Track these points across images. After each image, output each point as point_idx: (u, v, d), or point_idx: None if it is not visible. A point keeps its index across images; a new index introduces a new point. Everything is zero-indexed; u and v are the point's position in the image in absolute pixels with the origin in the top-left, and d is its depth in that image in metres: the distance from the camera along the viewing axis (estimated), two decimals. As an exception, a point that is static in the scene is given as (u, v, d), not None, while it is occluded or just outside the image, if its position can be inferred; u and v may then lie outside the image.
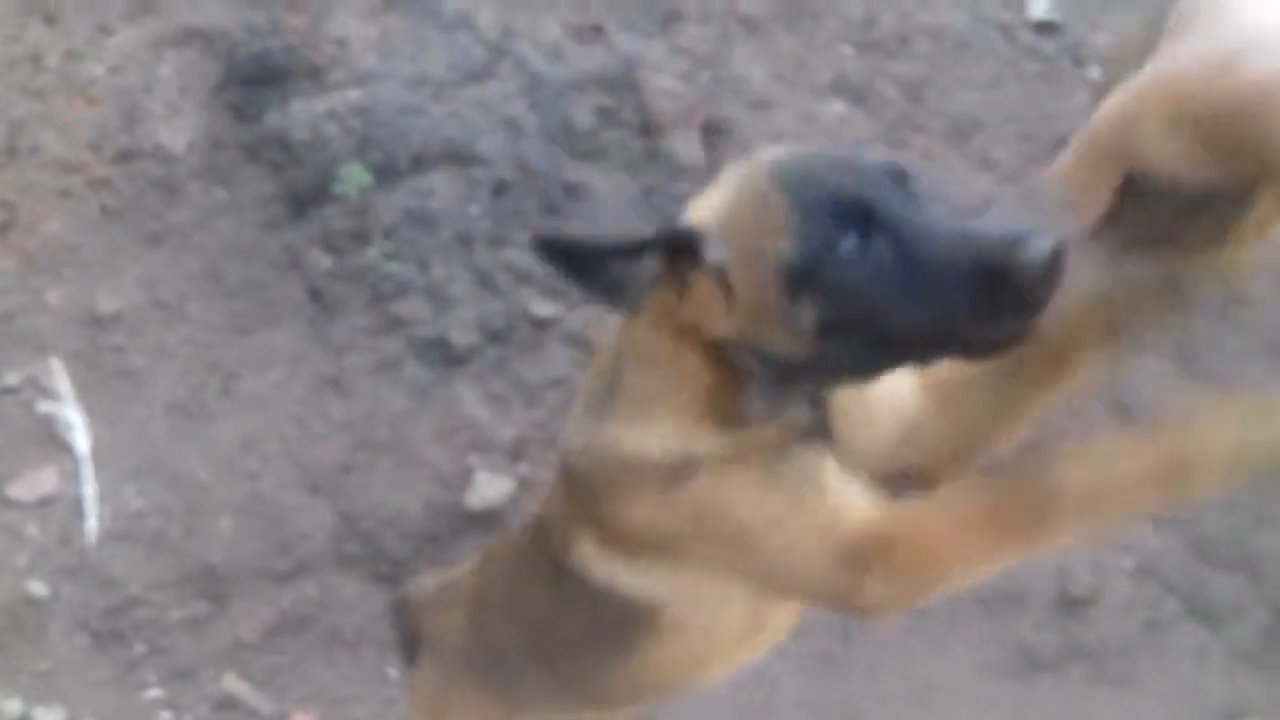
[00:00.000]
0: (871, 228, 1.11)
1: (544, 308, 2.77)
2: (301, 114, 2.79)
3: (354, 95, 2.82)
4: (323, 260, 2.72)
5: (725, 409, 1.21)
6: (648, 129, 2.97)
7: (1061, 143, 3.22)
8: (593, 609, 1.34)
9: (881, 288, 1.10)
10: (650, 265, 1.18)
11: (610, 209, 2.88)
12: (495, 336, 2.73)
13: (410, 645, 1.72)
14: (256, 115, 2.79)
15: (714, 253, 1.16)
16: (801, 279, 1.12)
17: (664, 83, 3.03)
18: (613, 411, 1.26)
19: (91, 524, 2.41)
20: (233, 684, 2.34)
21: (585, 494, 1.29)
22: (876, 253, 1.11)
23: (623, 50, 3.04)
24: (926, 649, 2.67)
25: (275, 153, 2.78)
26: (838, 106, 3.15)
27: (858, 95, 3.19)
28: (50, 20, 2.81)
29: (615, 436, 1.25)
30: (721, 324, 1.17)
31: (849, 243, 1.11)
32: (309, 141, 2.77)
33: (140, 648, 2.33)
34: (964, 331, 1.10)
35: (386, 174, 2.78)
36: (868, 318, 1.12)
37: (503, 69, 2.95)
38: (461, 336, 2.71)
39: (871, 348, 1.14)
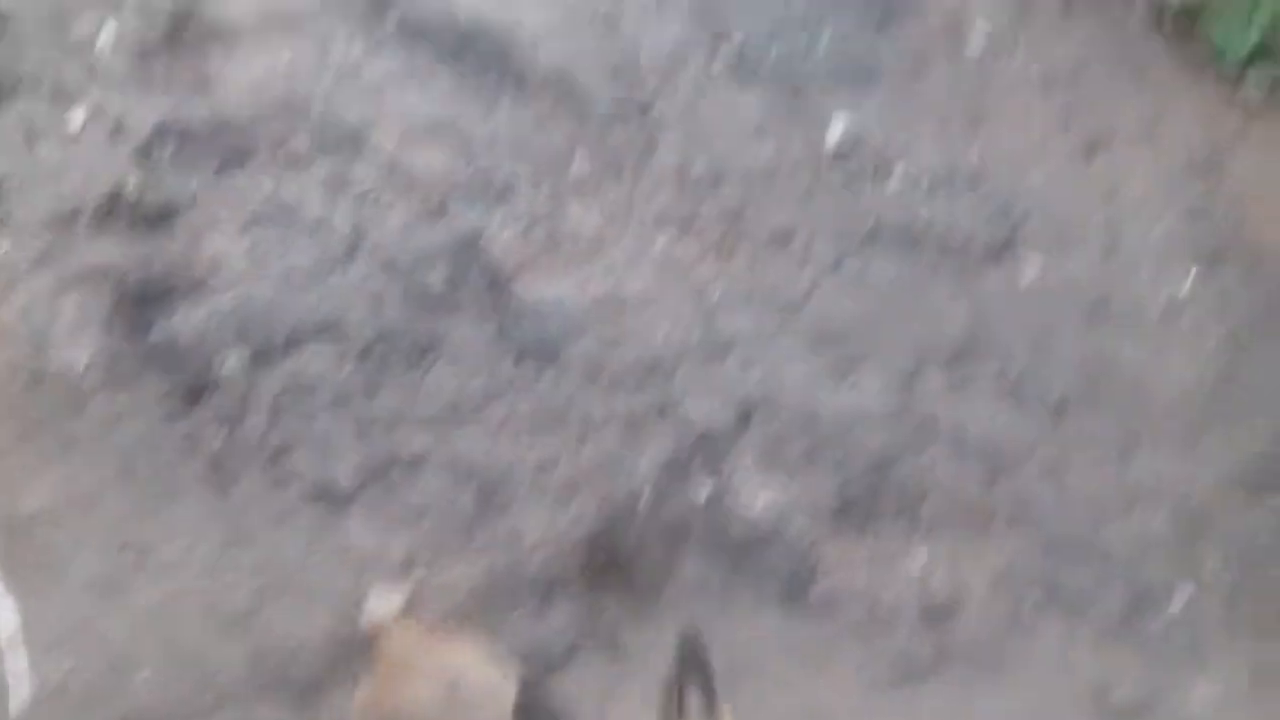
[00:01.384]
0: None
1: (417, 444, 3.06)
2: (186, 321, 3.15)
3: (230, 296, 3.20)
4: (217, 437, 3.02)
5: None
6: (495, 281, 3.33)
7: (873, 234, 3.58)
8: None
9: None
10: None
11: (469, 350, 3.21)
12: (376, 474, 3.01)
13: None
14: (148, 329, 3.14)
15: None
16: None
17: (505, 239, 3.41)
18: None
19: (23, 693, 2.63)
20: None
21: None
22: None
23: (466, 222, 3.43)
24: (809, 674, 2.85)
25: (167, 357, 3.13)
26: (666, 235, 3.51)
27: (683, 224, 3.55)
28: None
29: None
30: None
31: None
32: (195, 342, 3.12)
33: (74, 792, 2.52)
34: None
35: (265, 356, 3.13)
36: None
37: (361, 254, 3.33)
38: (347, 480, 2.99)
39: None
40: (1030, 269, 3.72)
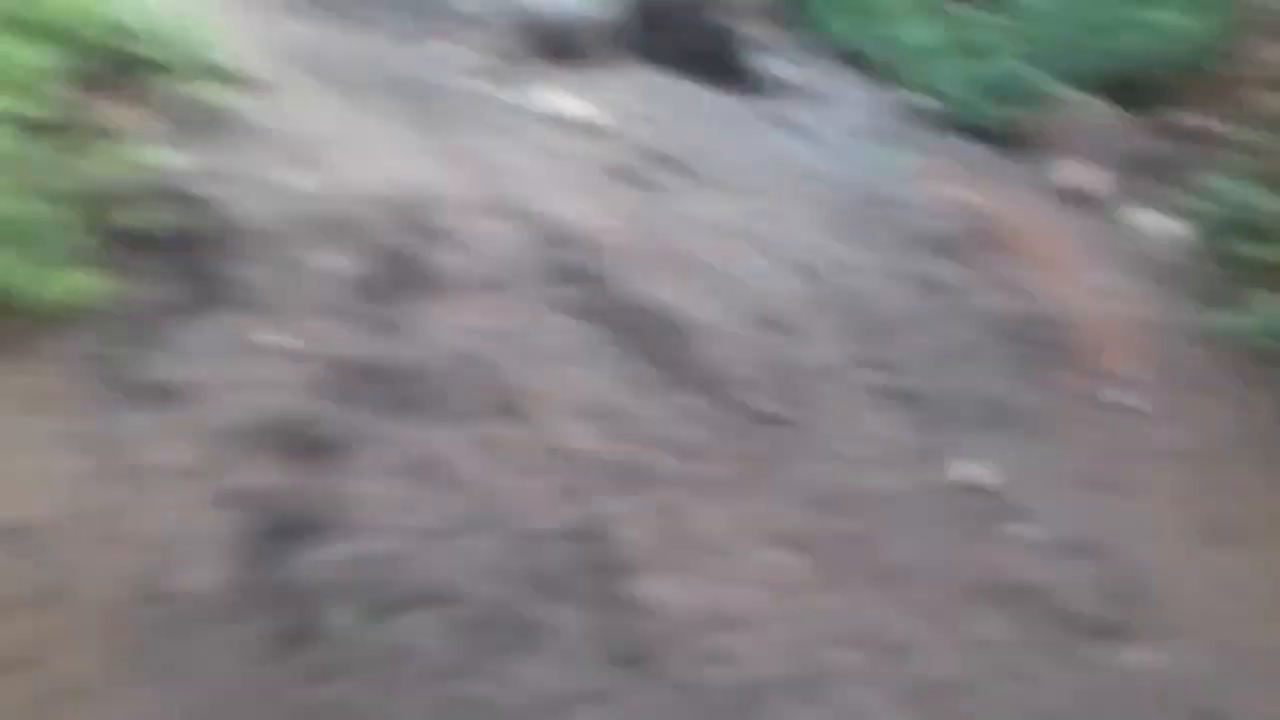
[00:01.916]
0: None
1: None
2: (311, 563, 3.21)
3: (358, 545, 3.25)
4: (306, 692, 3.03)
5: None
6: (609, 573, 3.36)
7: (984, 588, 3.55)
8: None
9: None
10: None
11: (568, 644, 3.22)
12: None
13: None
14: (273, 564, 3.20)
15: None
16: None
17: (629, 531, 3.45)
18: None
19: None
20: None
21: None
22: None
23: (597, 507, 3.49)
24: None
25: (282, 597, 3.16)
26: (783, 553, 3.54)
27: (802, 545, 3.58)
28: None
29: None
30: None
31: None
32: (312, 587, 3.17)
33: None
34: None
35: (373, 615, 3.15)
36: None
37: (491, 524, 3.39)
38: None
39: None
40: (1138, 654, 3.64)
